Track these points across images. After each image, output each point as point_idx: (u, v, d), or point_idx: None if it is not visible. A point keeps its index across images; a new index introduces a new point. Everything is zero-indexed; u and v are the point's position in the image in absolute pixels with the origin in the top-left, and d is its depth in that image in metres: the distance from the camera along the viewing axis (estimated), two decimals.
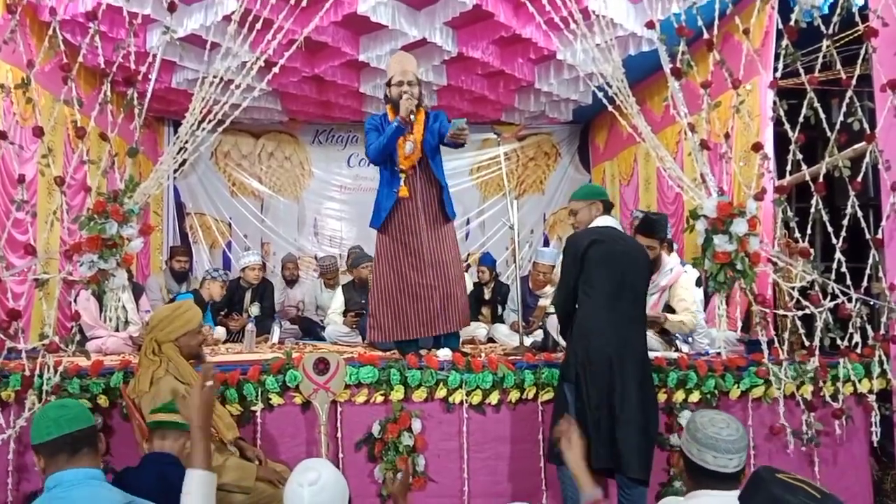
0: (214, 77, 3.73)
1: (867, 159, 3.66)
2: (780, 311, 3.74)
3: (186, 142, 3.72)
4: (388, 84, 4.10)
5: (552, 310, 5.19)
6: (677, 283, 4.21)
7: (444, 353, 3.83)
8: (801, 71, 3.60)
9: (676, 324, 4.19)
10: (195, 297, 5.61)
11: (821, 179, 3.63)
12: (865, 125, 3.62)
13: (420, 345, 4.09)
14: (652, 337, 4.18)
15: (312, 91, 6.89)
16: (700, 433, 2.05)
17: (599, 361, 3.03)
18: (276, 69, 4.04)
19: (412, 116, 3.93)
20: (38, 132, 3.41)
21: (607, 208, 3.40)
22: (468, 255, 7.96)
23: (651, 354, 3.87)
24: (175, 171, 3.87)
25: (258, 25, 3.78)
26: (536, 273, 5.98)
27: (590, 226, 3.32)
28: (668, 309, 4.26)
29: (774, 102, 3.63)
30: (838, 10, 3.57)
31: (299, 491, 1.97)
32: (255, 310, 5.81)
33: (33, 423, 2.12)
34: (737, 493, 1.92)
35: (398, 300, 4.04)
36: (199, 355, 3.15)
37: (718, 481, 2.02)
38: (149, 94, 3.64)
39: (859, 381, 3.65)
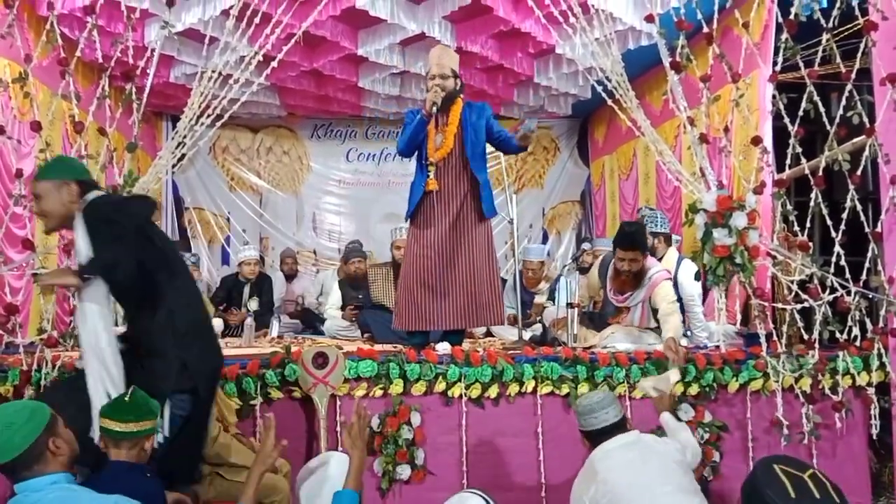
0: (213, 72, 3.73)
1: (866, 153, 3.66)
2: (779, 305, 3.74)
3: (185, 136, 3.71)
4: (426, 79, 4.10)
5: (549, 305, 5.21)
6: (654, 293, 4.04)
7: (443, 347, 3.84)
8: (801, 65, 3.60)
9: (676, 329, 3.99)
10: None
11: (820, 173, 3.63)
12: (865, 119, 3.61)
13: (431, 339, 4.08)
14: (650, 334, 4.19)
15: (311, 85, 6.88)
16: (580, 408, 2.63)
17: (212, 359, 2.72)
18: (274, 63, 4.04)
19: (435, 108, 3.88)
20: (36, 127, 3.41)
21: (87, 190, 2.56)
22: None
23: (649, 347, 3.89)
24: (173, 165, 3.86)
25: (256, 20, 3.77)
26: (526, 271, 5.94)
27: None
28: (655, 313, 4.16)
29: (774, 96, 3.62)
30: (838, 4, 3.56)
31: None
32: (253, 304, 5.81)
33: None
34: (629, 434, 2.54)
35: (417, 292, 3.98)
36: None
37: (610, 431, 2.54)
38: (147, 89, 3.64)
39: (858, 373, 3.66)
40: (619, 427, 2.58)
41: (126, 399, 2.32)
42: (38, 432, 2.03)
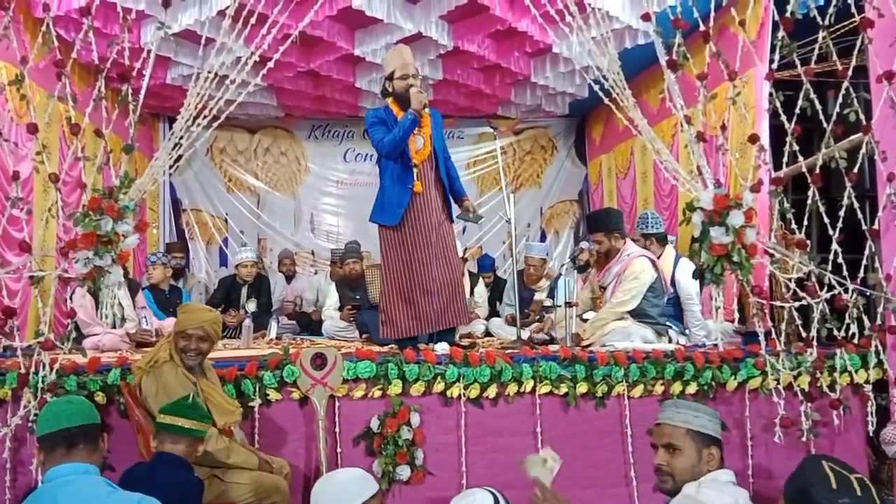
0: (209, 72, 3.71)
1: (863, 150, 3.65)
2: (777, 303, 3.74)
3: (181, 137, 3.70)
4: (390, 78, 4.07)
5: (549, 303, 5.21)
6: (628, 268, 4.24)
7: (442, 348, 3.84)
8: (798, 62, 3.60)
9: (611, 318, 4.20)
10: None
11: (817, 171, 3.62)
12: (861, 116, 3.61)
13: (419, 340, 4.09)
14: (645, 328, 4.19)
15: (308, 86, 6.87)
16: (704, 405, 2.30)
17: None
18: (270, 64, 4.02)
19: (427, 109, 3.95)
20: (33, 129, 3.40)
21: None
22: (465, 249, 7.96)
23: (647, 346, 3.89)
24: (170, 167, 3.85)
25: (252, 20, 3.75)
26: (528, 267, 5.99)
27: None
28: None
29: (770, 94, 3.62)
30: (834, 1, 3.56)
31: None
32: (251, 306, 5.81)
33: (39, 417, 2.20)
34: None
35: (411, 296, 4.00)
36: (185, 364, 3.04)
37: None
38: (143, 90, 3.62)
39: (856, 371, 3.66)
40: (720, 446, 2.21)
41: (188, 402, 2.57)
42: (97, 419, 2.23)
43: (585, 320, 4.40)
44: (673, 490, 2.16)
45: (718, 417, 2.26)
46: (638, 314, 4.21)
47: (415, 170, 3.99)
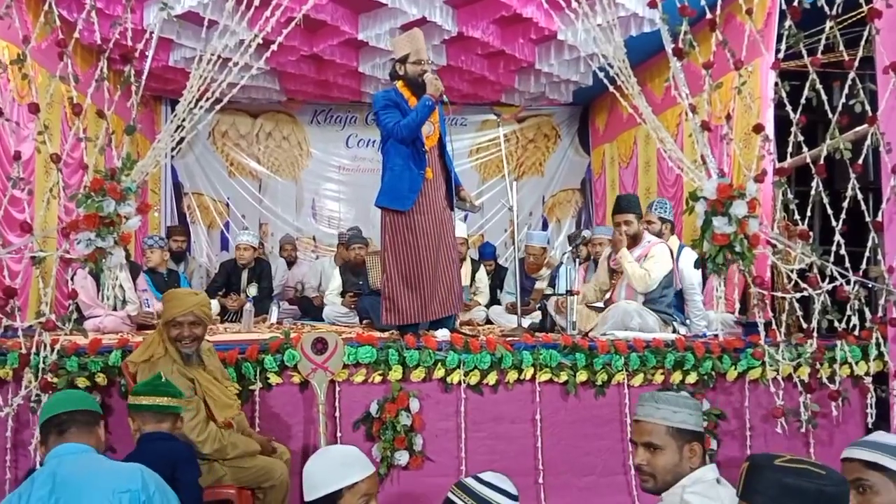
0: (212, 55, 3.69)
1: (868, 142, 3.65)
2: (779, 294, 3.74)
3: (183, 120, 3.69)
4: (403, 61, 4.03)
5: (549, 291, 5.21)
6: (649, 252, 4.24)
7: (443, 334, 3.84)
8: (804, 52, 3.58)
9: (630, 272, 4.21)
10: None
11: (821, 162, 3.61)
12: (867, 108, 3.60)
13: (420, 326, 4.09)
14: (649, 316, 4.18)
15: (311, 70, 6.84)
16: (683, 397, 2.12)
17: None
18: (274, 47, 4.00)
19: (445, 96, 3.96)
20: (34, 109, 3.38)
21: None
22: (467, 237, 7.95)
23: (648, 336, 3.90)
24: (172, 149, 3.85)
25: (256, 2, 3.73)
26: (528, 256, 5.99)
27: None
28: None
29: (776, 84, 3.60)
30: None
31: None
32: (252, 290, 5.81)
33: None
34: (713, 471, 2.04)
35: (416, 282, 3.98)
36: (180, 352, 2.96)
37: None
38: (145, 72, 3.61)
39: (856, 363, 3.66)
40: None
41: (162, 380, 2.56)
42: (91, 407, 2.23)
43: (601, 308, 4.40)
44: (655, 490, 2.07)
45: (699, 408, 2.14)
46: (648, 300, 4.20)
47: (426, 156, 3.98)
